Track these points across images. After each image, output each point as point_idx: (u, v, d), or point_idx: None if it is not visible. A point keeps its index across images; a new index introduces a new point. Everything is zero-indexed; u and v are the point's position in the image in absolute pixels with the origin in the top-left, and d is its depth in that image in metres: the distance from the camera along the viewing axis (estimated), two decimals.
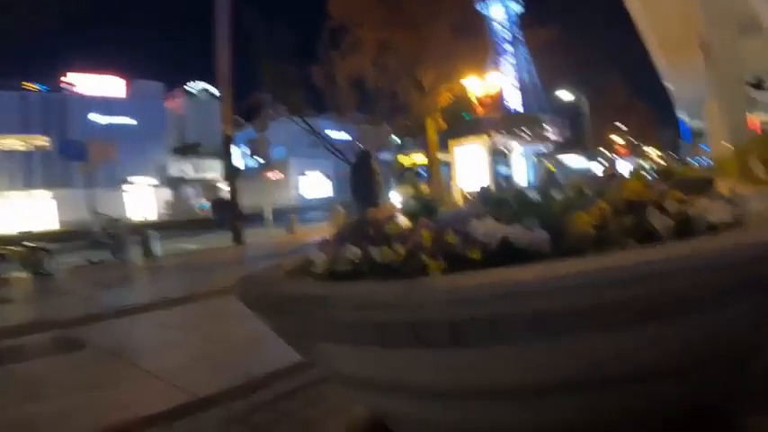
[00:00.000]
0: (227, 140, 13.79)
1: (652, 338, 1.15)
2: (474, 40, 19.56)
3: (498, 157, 24.69)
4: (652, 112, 52.66)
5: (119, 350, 3.89)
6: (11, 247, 9.18)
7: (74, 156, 11.77)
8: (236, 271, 7.46)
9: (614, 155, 47.33)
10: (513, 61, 54.46)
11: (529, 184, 28.66)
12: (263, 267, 1.93)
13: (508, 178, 26.89)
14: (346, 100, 18.54)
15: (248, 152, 16.88)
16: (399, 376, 1.28)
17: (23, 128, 32.40)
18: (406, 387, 1.30)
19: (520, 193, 1.64)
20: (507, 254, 1.27)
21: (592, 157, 39.87)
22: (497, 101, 19.45)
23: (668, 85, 19.67)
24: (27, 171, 32.38)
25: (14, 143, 32.17)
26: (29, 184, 32.41)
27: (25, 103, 32.69)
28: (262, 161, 14.80)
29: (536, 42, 28.75)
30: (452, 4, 17.90)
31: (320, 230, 13.78)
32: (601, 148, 41.78)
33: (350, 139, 23.39)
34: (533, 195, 1.62)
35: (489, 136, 19.00)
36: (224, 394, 2.66)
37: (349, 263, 1.35)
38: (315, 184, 43.59)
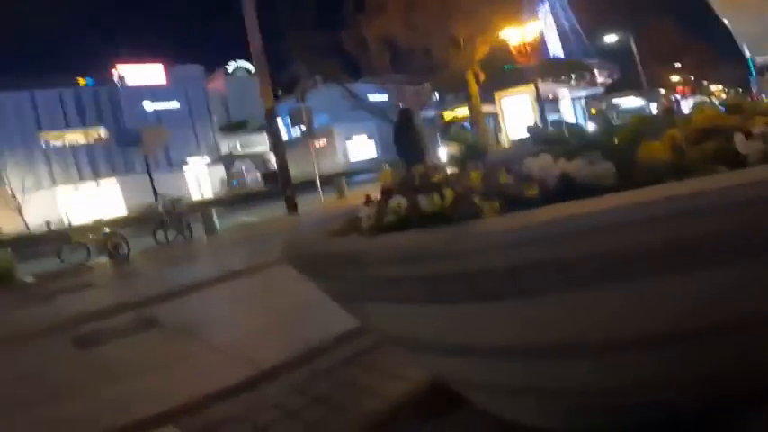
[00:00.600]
0: (269, 113, 13.92)
1: (744, 280, 0.99)
2: None
3: (547, 104, 23.65)
4: (711, 50, 48.73)
5: (187, 326, 4.10)
6: (91, 236, 9.89)
7: (130, 143, 12.34)
8: (308, 235, 7.61)
9: (675, 94, 44.10)
10: (552, 7, 51.20)
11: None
12: (310, 228, 1.89)
13: (559, 122, 25.66)
14: (380, 62, 18.14)
15: (291, 123, 17.05)
16: (455, 335, 1.18)
17: (81, 122, 34.35)
18: (463, 347, 1.20)
19: (576, 128, 1.48)
20: (568, 191, 1.15)
21: (650, 98, 37.35)
22: (538, 49, 18.38)
23: (725, 18, 17.66)
24: (92, 162, 34.39)
25: (76, 137, 34.31)
26: (96, 174, 34.46)
27: (80, 99, 34.42)
28: (305, 130, 14.85)
29: None
30: None
31: (370, 191, 13.77)
32: (660, 89, 38.94)
33: (391, 100, 23.06)
34: (591, 131, 1.46)
35: (534, 84, 18.11)
36: (285, 365, 2.71)
37: (395, 214, 1.26)
38: (361, 148, 43.59)
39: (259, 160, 43.30)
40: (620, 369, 1.10)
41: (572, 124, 1.56)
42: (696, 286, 0.98)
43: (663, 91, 38.50)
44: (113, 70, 40.56)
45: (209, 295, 5.23)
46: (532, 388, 1.21)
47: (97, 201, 32.93)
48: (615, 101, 38.89)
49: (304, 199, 15.08)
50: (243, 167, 42.80)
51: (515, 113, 20.96)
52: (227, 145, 41.54)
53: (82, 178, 34.01)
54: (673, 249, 0.94)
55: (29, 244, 22.21)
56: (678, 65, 51.06)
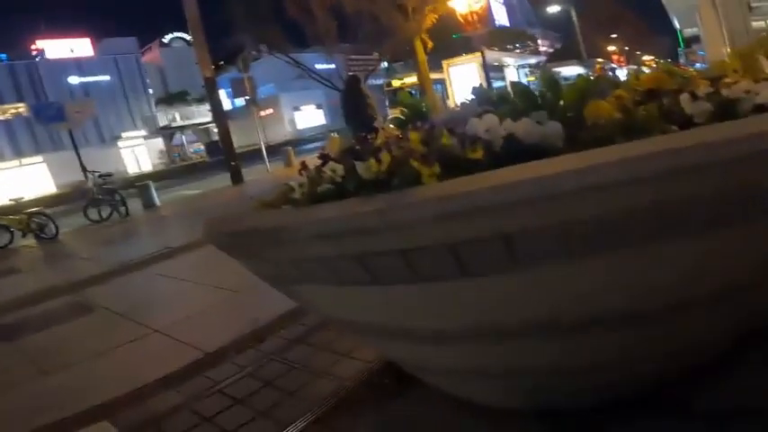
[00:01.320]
0: (209, 83, 13.30)
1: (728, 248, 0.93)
2: None
3: (492, 71, 23.92)
4: (646, 22, 51.57)
5: (126, 310, 3.83)
6: (10, 217, 9.08)
7: (51, 118, 11.31)
8: (235, 210, 7.35)
9: (612, 64, 46.12)
10: None
11: None
12: (242, 204, 1.74)
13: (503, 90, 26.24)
14: (326, 30, 17.51)
15: (233, 93, 16.38)
16: (397, 319, 1.08)
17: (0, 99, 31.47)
18: (407, 331, 1.10)
19: (522, 88, 1.40)
20: (515, 153, 1.07)
21: (589, 67, 38.92)
22: (485, 17, 18.47)
23: None
24: (12, 141, 31.82)
25: None
26: (18, 153, 31.93)
27: None
28: (249, 100, 14.25)
29: None
30: None
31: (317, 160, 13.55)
32: (598, 59, 40.61)
33: (336, 69, 22.58)
34: (539, 90, 1.39)
35: (482, 53, 18.21)
36: (232, 346, 2.59)
37: (330, 182, 1.14)
38: (309, 116, 42.94)
39: (201, 131, 41.58)
40: (574, 350, 1.03)
41: (517, 83, 1.48)
42: (652, 262, 0.91)
43: (600, 60, 40.04)
44: (33, 46, 37.66)
45: (148, 275, 4.93)
46: (483, 371, 1.13)
47: (22, 181, 30.49)
48: (557, 69, 40.13)
49: (251, 169, 14.64)
50: (184, 139, 40.98)
51: (463, 80, 21.19)
52: (165, 117, 39.51)
53: (2, 158, 31.36)
54: (631, 219, 0.85)
55: None
56: (615, 36, 53.32)
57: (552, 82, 1.40)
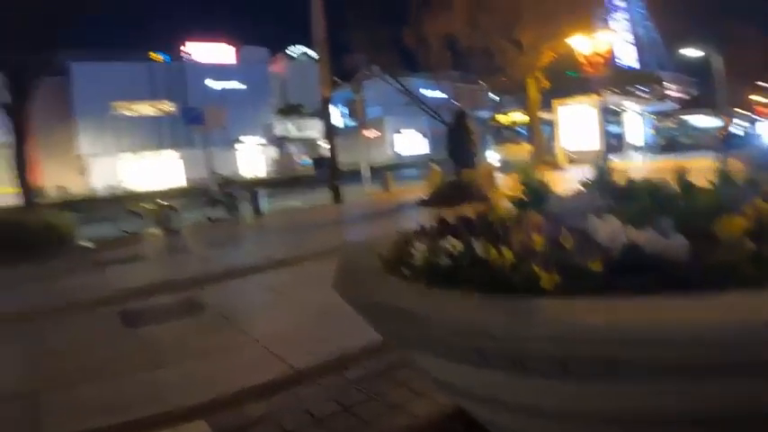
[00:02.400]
0: (326, 102, 14.25)
1: None
2: None
3: (610, 116, 22.64)
4: None
5: (229, 314, 4.24)
6: (144, 205, 10.40)
7: (193, 120, 12.84)
8: (334, 232, 7.78)
9: (754, 115, 41.08)
10: (626, 15, 48.63)
11: (645, 144, 26.00)
12: (360, 251, 1.89)
13: (619, 138, 24.61)
14: (439, 60, 17.89)
15: (346, 112, 17.30)
16: (496, 393, 1.18)
17: (152, 96, 36.11)
18: (501, 402, 1.20)
19: (651, 185, 1.39)
20: (632, 263, 1.08)
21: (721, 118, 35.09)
22: (608, 59, 17.53)
23: None
24: (157, 134, 36.14)
25: (146, 109, 36.10)
26: (160, 145, 36.20)
27: (152, 73, 36.13)
28: (358, 121, 15.01)
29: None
30: None
31: (415, 189, 13.79)
32: (737, 109, 36.30)
33: (445, 97, 22.80)
34: (669, 188, 1.37)
35: (599, 95, 17.33)
36: (318, 368, 2.77)
37: (448, 255, 1.24)
38: (410, 142, 43.62)
39: (310, 145, 44.17)
40: None
41: (649, 178, 1.45)
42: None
43: (741, 111, 35.87)
44: (182, 47, 42.49)
45: (253, 282, 5.39)
46: None
47: (158, 171, 34.70)
48: (686, 117, 36.68)
49: (351, 189, 15.30)
50: (294, 150, 43.84)
51: (574, 123, 20.22)
52: (281, 127, 42.57)
53: (145, 148, 35.80)
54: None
55: (91, 208, 23.73)
56: (763, 83, 47.44)
57: (688, 184, 1.36)
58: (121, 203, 12.60)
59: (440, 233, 1.49)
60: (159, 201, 10.73)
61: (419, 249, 1.39)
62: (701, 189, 1.32)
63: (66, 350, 3.72)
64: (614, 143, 21.41)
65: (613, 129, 25.28)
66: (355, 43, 18.77)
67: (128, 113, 35.19)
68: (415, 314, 1.14)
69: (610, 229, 1.16)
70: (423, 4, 17.07)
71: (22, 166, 10.44)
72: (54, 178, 29.59)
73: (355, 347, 2.90)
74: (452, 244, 1.30)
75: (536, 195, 1.53)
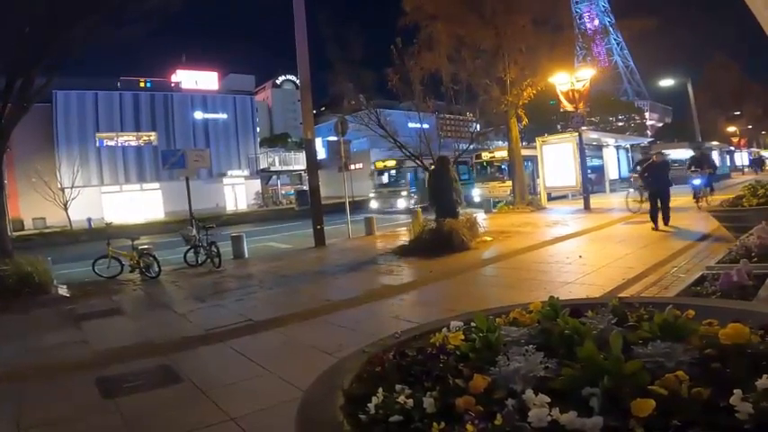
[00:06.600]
0: (309, 144, 14.55)
1: None
2: (558, 33, 18.56)
3: (591, 152, 23.30)
4: None
5: (207, 387, 4.25)
6: (124, 253, 10.38)
7: (174, 164, 12.89)
8: (319, 289, 7.76)
9: (730, 147, 42.44)
10: (605, 48, 50.66)
11: (620, 177, 26.75)
12: (323, 389, 1.94)
13: (600, 171, 25.32)
14: (422, 101, 18.33)
15: (328, 156, 17.60)
16: None
17: (136, 125, 36.10)
18: None
19: (587, 353, 1.50)
20: None
21: (700, 149, 36.28)
22: (586, 96, 18.23)
23: None
24: (139, 165, 35.96)
25: (129, 139, 36.06)
26: (141, 178, 36.02)
27: (137, 102, 36.19)
28: (342, 161, 15.16)
29: (631, 31, 26.67)
30: None
31: (398, 233, 13.95)
32: (714, 142, 37.55)
33: (428, 127, 23.19)
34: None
35: (579, 133, 17.92)
36: None
37: (400, 411, 1.28)
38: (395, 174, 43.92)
39: (295, 176, 44.40)
40: None
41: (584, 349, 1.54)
42: None
43: (716, 143, 37.01)
44: (172, 75, 42.68)
45: (232, 349, 5.36)
46: None
47: (139, 204, 34.42)
48: (664, 151, 37.75)
49: (334, 228, 15.38)
50: (278, 182, 43.92)
51: (555, 160, 20.83)
52: (266, 160, 42.67)
53: (128, 180, 35.58)
54: None
55: (69, 242, 23.38)
56: (737, 113, 48.80)
57: (640, 372, 1.41)
58: (101, 237, 12.49)
59: (398, 369, 1.60)
60: (138, 246, 10.69)
61: (373, 403, 1.47)
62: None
63: (46, 421, 3.79)
64: (592, 178, 22.00)
65: (596, 163, 26.07)
66: (339, 74, 19.15)
67: (111, 143, 35.09)
68: None
69: (537, 417, 1.26)
70: (406, 44, 17.57)
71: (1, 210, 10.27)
72: (34, 210, 29.22)
73: None
74: (405, 397, 1.39)
75: (487, 347, 1.64)
